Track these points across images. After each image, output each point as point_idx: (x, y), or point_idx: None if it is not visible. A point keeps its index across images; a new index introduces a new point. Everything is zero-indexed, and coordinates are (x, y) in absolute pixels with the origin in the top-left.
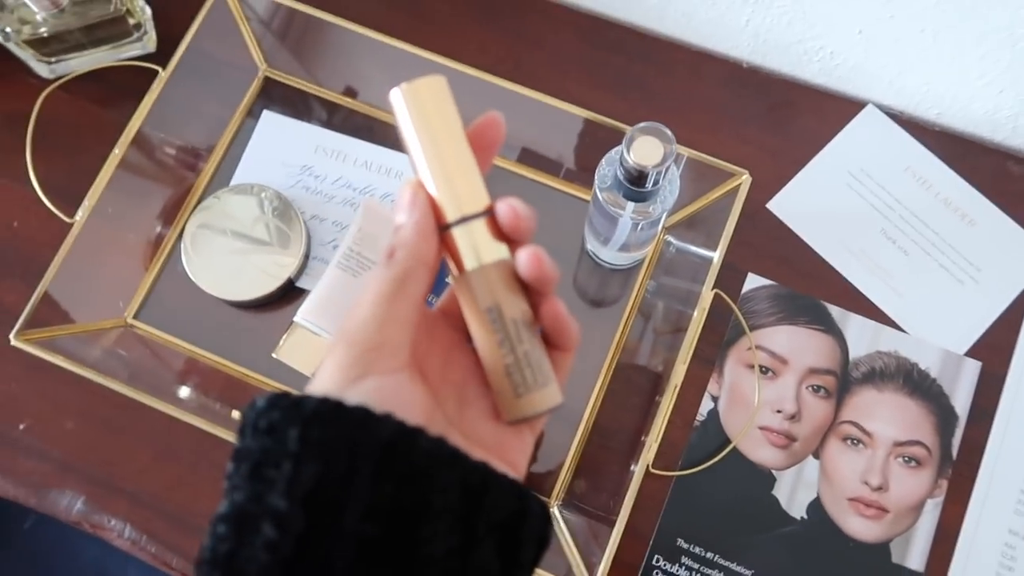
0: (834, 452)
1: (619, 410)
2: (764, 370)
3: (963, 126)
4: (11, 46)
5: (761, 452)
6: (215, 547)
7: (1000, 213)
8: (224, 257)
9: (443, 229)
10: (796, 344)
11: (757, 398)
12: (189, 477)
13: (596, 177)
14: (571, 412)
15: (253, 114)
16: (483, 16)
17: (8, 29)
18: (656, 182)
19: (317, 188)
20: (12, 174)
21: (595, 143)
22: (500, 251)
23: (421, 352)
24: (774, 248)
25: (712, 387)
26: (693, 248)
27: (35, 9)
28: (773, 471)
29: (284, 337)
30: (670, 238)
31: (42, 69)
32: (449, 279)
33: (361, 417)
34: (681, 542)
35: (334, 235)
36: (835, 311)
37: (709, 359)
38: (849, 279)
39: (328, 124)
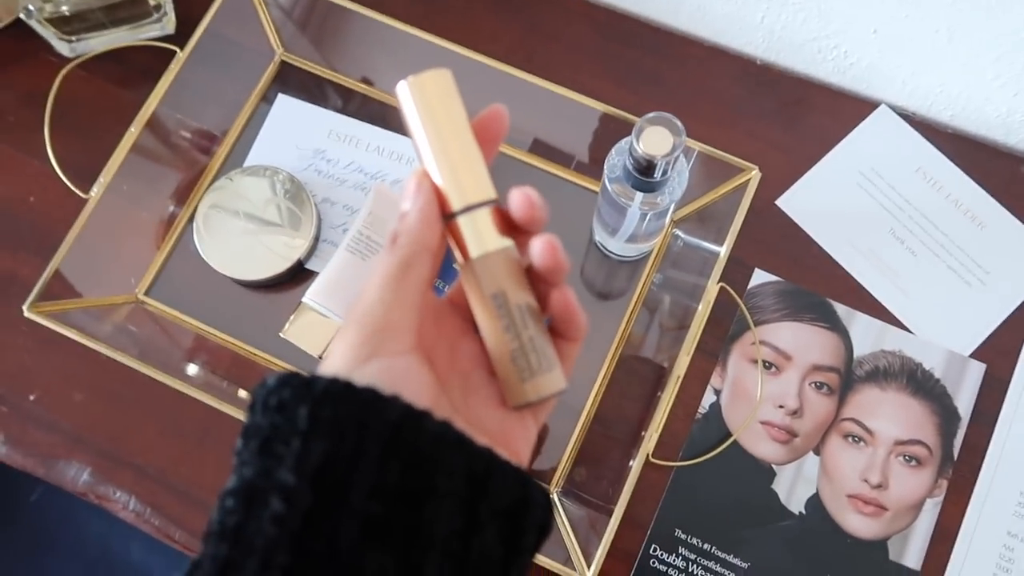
0: (835, 449)
1: (621, 400)
2: (767, 365)
3: (976, 129)
4: (33, 23)
5: (762, 446)
6: (223, 520)
7: (1010, 216)
8: (235, 237)
9: (449, 218)
10: (800, 340)
11: (759, 393)
12: (195, 452)
13: (605, 167)
14: (573, 400)
15: (268, 98)
16: (499, 7)
17: (31, 7)
18: (664, 172)
19: (329, 172)
20: (30, 150)
21: (606, 136)
22: (504, 239)
23: (429, 340)
24: (782, 245)
25: (715, 380)
26: (700, 242)
27: None
28: (773, 465)
29: (292, 317)
30: (678, 231)
31: (63, 47)
32: (456, 266)
33: (370, 398)
34: (679, 532)
35: (344, 219)
36: (841, 309)
37: (713, 352)
38: (856, 278)
39: (342, 110)
